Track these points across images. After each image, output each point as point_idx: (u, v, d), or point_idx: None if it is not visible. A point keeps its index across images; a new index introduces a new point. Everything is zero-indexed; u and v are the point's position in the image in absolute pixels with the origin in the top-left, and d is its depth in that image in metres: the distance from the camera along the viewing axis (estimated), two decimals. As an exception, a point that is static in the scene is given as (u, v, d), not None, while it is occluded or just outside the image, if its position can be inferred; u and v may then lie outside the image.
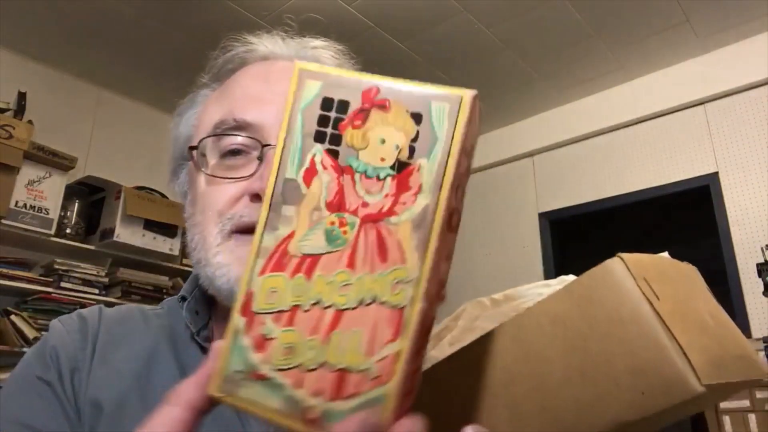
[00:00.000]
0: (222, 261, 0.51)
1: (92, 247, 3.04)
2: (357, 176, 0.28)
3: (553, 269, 3.61)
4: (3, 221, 2.69)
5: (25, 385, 0.52)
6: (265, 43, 0.60)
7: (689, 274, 0.40)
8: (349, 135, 0.29)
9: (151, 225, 3.13)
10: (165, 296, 2.23)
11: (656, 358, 0.31)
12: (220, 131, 0.54)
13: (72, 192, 3.04)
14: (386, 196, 0.28)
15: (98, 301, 2.78)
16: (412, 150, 0.28)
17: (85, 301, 2.85)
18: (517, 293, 0.44)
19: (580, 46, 3.13)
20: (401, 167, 0.28)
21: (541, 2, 2.79)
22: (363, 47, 2.91)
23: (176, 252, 3.26)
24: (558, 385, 0.34)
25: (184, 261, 3.28)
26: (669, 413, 0.32)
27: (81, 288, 2.91)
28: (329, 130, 0.29)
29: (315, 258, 0.28)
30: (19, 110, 2.97)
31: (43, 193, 2.85)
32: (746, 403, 2.37)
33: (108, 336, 0.56)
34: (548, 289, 0.40)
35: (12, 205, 2.72)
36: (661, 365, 0.31)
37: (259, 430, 0.50)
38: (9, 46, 3.13)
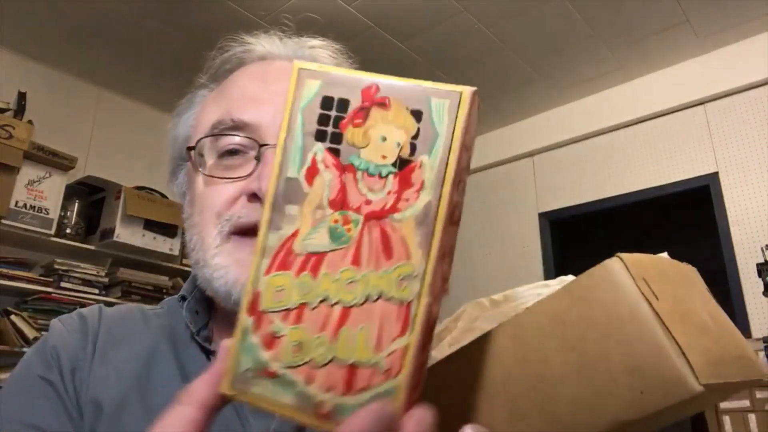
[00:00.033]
0: (220, 263, 0.51)
1: (92, 247, 3.04)
2: (359, 174, 0.29)
3: (553, 269, 3.61)
4: (3, 221, 2.69)
5: (27, 385, 0.52)
6: (262, 43, 0.60)
7: (689, 274, 0.40)
8: (350, 133, 0.29)
9: (151, 225, 3.14)
10: (165, 296, 2.22)
11: (655, 357, 0.31)
12: (218, 131, 0.54)
13: (72, 192, 3.04)
14: (389, 193, 0.28)
15: (98, 301, 2.78)
16: (413, 147, 0.28)
17: (85, 301, 2.85)
18: (516, 294, 0.44)
19: (580, 46, 3.13)
20: (403, 164, 0.28)
21: (541, 2, 2.80)
22: (363, 47, 2.92)
23: (176, 252, 3.26)
24: (557, 385, 0.35)
25: (184, 261, 3.28)
26: (668, 413, 0.32)
27: (81, 288, 2.91)
28: (330, 129, 0.29)
29: (320, 256, 0.28)
30: (19, 110, 2.98)
31: (43, 193, 2.85)
32: (746, 403, 2.37)
33: (108, 335, 0.56)
34: (548, 290, 0.40)
35: (12, 205, 2.72)
36: (659, 365, 0.31)
37: (259, 430, 0.50)
38: (9, 46, 3.13)
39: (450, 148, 0.27)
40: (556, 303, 0.36)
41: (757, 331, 2.79)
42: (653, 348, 0.32)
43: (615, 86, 3.53)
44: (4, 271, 2.71)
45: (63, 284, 2.86)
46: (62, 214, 2.97)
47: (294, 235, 0.29)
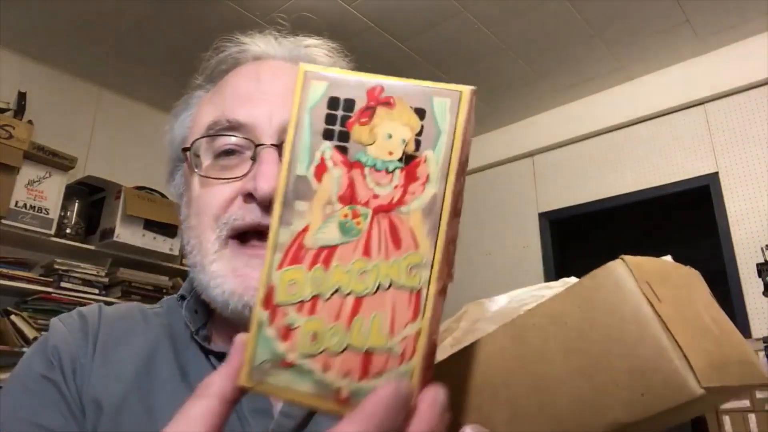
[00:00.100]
0: (217, 271, 0.51)
1: (92, 247, 3.05)
2: (366, 170, 0.30)
3: (553, 269, 3.61)
4: (3, 221, 2.69)
5: (30, 384, 0.52)
6: (257, 43, 0.60)
7: (692, 277, 0.40)
8: (357, 132, 0.30)
9: (151, 225, 3.14)
10: (165, 296, 2.22)
11: (656, 359, 0.31)
12: (213, 132, 0.54)
13: (72, 192, 3.04)
14: (396, 187, 0.30)
15: (98, 301, 2.78)
16: (417, 143, 0.30)
17: (85, 301, 2.85)
18: (518, 295, 0.44)
19: (580, 46, 3.13)
20: (408, 160, 0.30)
21: (541, 2, 2.80)
22: (363, 47, 2.93)
23: (176, 252, 3.26)
24: (558, 386, 0.35)
25: (184, 261, 3.24)
26: (669, 415, 0.32)
27: (81, 288, 2.91)
28: (337, 128, 0.30)
29: (331, 249, 0.29)
30: (19, 110, 2.98)
31: (43, 193, 2.85)
32: (746, 403, 2.37)
33: (108, 335, 0.56)
34: (550, 291, 0.40)
35: (12, 205, 2.72)
36: (661, 367, 0.31)
37: (259, 430, 0.50)
38: (9, 46, 3.13)
39: (453, 143, 0.29)
40: (558, 304, 0.36)
41: (757, 332, 2.79)
42: (655, 350, 0.32)
43: (615, 86, 3.53)
44: (4, 271, 2.71)
45: (63, 284, 2.86)
46: (62, 214, 2.97)
47: (305, 230, 0.30)
